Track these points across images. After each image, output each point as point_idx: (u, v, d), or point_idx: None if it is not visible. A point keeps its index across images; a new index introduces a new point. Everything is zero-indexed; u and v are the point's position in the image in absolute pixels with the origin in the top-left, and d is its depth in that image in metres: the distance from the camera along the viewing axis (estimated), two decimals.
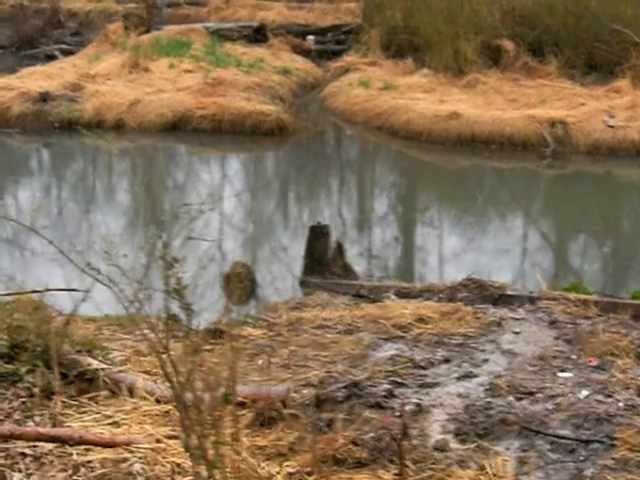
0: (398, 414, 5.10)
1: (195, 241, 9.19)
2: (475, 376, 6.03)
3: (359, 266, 9.45)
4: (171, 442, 4.62)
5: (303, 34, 22.86)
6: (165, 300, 3.74)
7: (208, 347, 5.30)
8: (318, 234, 8.63)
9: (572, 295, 7.63)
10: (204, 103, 15.70)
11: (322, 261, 8.58)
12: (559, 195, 14.07)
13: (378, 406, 5.40)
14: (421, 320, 6.95)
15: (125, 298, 3.79)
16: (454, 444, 5.04)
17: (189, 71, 18.16)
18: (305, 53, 21.79)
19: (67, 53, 21.27)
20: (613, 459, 4.78)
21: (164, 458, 4.50)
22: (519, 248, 11.36)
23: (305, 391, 5.58)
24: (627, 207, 13.90)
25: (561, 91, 17.52)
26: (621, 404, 5.45)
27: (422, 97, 16.78)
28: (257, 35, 21.88)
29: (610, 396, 5.58)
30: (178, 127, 15.51)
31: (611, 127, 15.33)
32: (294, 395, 5.44)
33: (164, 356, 3.85)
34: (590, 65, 19.46)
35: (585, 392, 5.62)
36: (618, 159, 15.05)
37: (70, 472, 4.36)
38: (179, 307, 3.80)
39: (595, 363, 6.21)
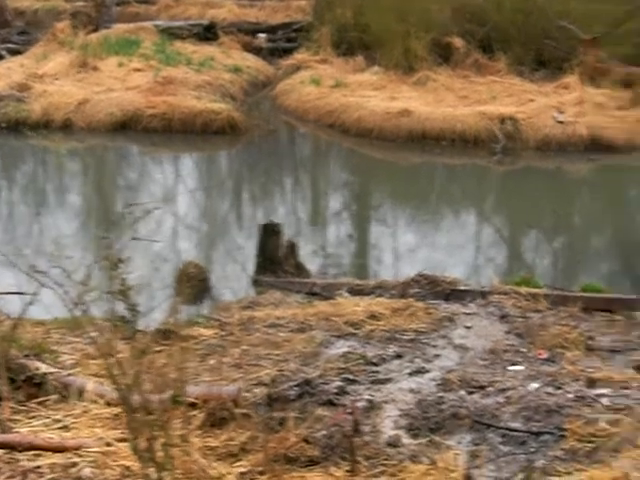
0: (350, 411, 5.09)
1: (148, 242, 9.20)
2: (427, 371, 6.06)
3: (313, 264, 9.44)
4: (121, 445, 4.59)
5: (254, 32, 22.77)
6: (111, 302, 3.71)
7: (158, 348, 5.26)
8: (270, 232, 8.61)
9: (523, 289, 7.68)
10: (154, 102, 15.59)
11: (274, 260, 8.56)
12: (510, 191, 14.16)
13: (330, 404, 5.41)
14: (373, 317, 6.96)
15: (70, 300, 3.76)
16: (406, 439, 5.05)
17: (139, 70, 17.99)
18: (256, 51, 21.69)
19: (14, 52, 20.93)
20: (563, 450, 4.83)
21: (114, 461, 4.46)
22: (472, 244, 11.42)
23: (257, 390, 5.56)
24: (577, 202, 14.04)
25: (511, 87, 17.63)
26: (570, 395, 5.50)
27: (373, 95, 16.80)
28: (207, 33, 21.74)
29: (560, 388, 5.64)
30: (128, 126, 15.37)
31: (560, 123, 15.46)
32: (246, 394, 5.42)
33: (111, 358, 3.82)
34: (539, 61, 19.60)
35: (535, 385, 5.67)
36: (567, 154, 15.18)
37: (19, 478, 4.31)
38: (125, 308, 3.77)
39: (545, 356, 6.27)
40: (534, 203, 13.19)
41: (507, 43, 19.46)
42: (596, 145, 15.42)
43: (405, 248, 10.92)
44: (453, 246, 10.95)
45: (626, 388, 5.70)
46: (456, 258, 10.42)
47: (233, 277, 9.47)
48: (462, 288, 7.78)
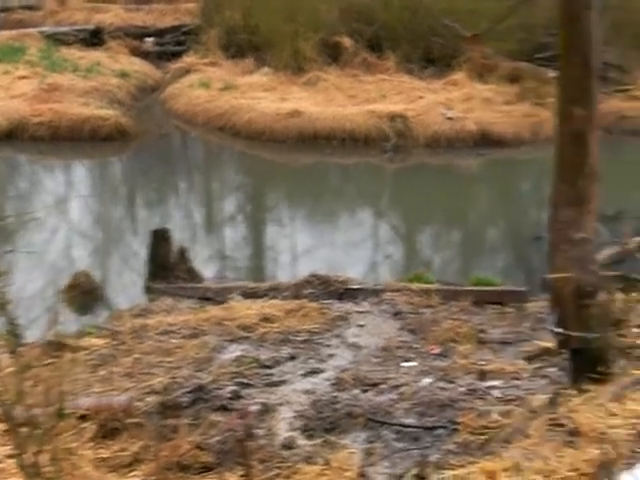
0: (241, 415, 5.07)
1: (41, 253, 9.01)
2: (321, 371, 6.07)
3: (208, 269, 9.36)
4: (10, 461, 4.46)
5: (142, 36, 22.50)
6: None
7: (47, 361, 5.14)
8: (160, 239, 8.50)
9: (415, 285, 7.75)
10: (40, 110, 15.27)
11: (166, 266, 8.45)
12: (403, 188, 14.28)
13: (224, 409, 5.38)
14: (266, 319, 6.94)
15: None
16: (301, 441, 5.04)
17: (24, 77, 17.60)
18: (144, 55, 21.44)
19: None
20: (456, 443, 4.88)
21: (4, 478, 4.35)
22: (367, 242, 11.49)
23: (149, 399, 5.48)
24: (468, 197, 14.21)
25: (400, 85, 17.80)
26: (463, 389, 5.57)
27: (263, 96, 16.77)
28: (94, 39, 21.41)
29: (452, 382, 5.71)
30: (14, 136, 15.00)
31: (449, 119, 15.67)
32: (138, 404, 5.34)
33: None
34: (427, 59, 19.82)
35: (428, 380, 5.72)
36: (457, 150, 15.39)
37: None
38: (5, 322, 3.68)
39: (437, 351, 6.33)
40: (426, 199, 13.34)
41: (395, 41, 19.63)
42: (485, 140, 15.67)
43: (301, 249, 10.92)
44: (349, 245, 10.99)
45: (517, 379, 5.81)
46: (352, 257, 10.46)
47: (126, 285, 9.33)
48: (355, 287, 7.81)
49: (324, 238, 11.41)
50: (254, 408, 5.36)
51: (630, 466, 4.22)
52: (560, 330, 4.88)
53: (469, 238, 11.91)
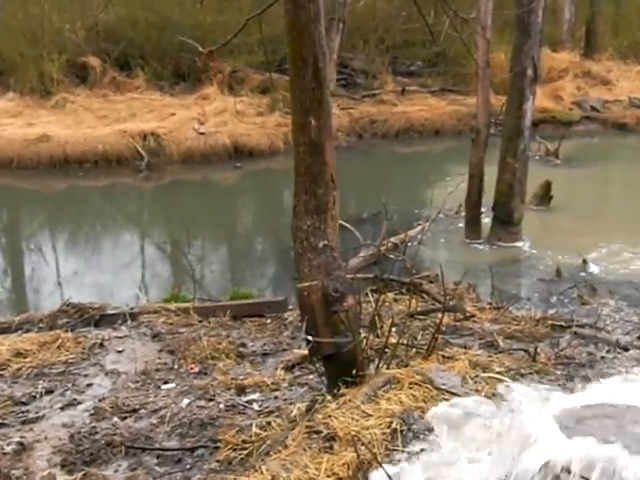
0: None
1: None
2: (79, 403, 5.87)
3: None
4: None
5: None
6: None
7: None
8: None
9: (172, 305, 7.66)
10: None
11: None
12: (161, 206, 14.21)
13: None
14: (19, 354, 6.65)
15: None
16: (61, 476, 4.87)
17: None
18: None
19: None
20: (218, 461, 4.84)
21: None
22: (129, 263, 11.33)
23: None
24: (228, 210, 14.28)
25: (151, 103, 17.71)
26: (222, 406, 5.54)
27: (9, 122, 16.27)
28: None
29: (212, 400, 5.66)
30: None
31: (202, 134, 15.69)
32: None
33: None
34: (178, 75, 19.82)
35: (187, 400, 5.66)
36: (213, 164, 15.46)
37: None
38: None
39: (197, 369, 6.28)
40: (185, 216, 13.30)
41: (144, 59, 19.52)
42: (240, 152, 15.85)
43: (64, 276, 10.65)
44: (113, 268, 10.82)
45: (276, 390, 5.83)
46: (118, 279, 10.30)
47: None
48: (111, 312, 7.62)
49: (87, 263, 11.16)
50: (9, 449, 5.12)
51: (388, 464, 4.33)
52: (310, 337, 4.93)
53: (232, 251, 11.97)
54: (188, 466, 4.90)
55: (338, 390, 5.02)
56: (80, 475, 4.87)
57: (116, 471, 4.93)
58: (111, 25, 20.61)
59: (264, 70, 19.20)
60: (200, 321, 7.36)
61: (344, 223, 10.61)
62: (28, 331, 7.43)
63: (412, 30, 22.56)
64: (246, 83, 19.70)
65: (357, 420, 4.61)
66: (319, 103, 5.08)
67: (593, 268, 11.03)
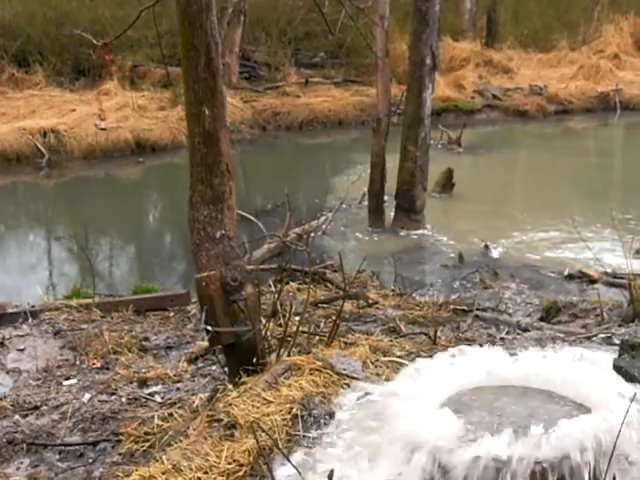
0: None
1: None
2: None
3: None
4: None
5: None
6: None
7: None
8: None
9: (74, 302, 7.58)
10: None
11: None
12: (65, 203, 14.03)
13: None
14: None
15: None
16: None
17: None
18: None
19: None
20: (120, 454, 4.83)
21: None
22: (29, 264, 11.17)
23: None
24: (132, 206, 14.18)
25: (51, 100, 17.46)
26: (124, 399, 5.53)
27: None
28: None
29: (114, 394, 5.64)
30: None
31: (103, 129, 15.53)
32: None
33: None
34: (78, 70, 19.57)
35: (88, 395, 5.63)
36: (115, 160, 15.32)
37: None
38: None
39: (99, 364, 6.24)
40: (90, 212, 13.16)
41: (42, 55, 19.21)
42: (143, 147, 15.72)
43: None
44: (19, 268, 10.66)
45: (179, 382, 5.83)
46: (25, 279, 10.16)
47: None
48: (12, 311, 7.51)
49: None
50: None
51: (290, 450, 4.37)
52: (209, 327, 4.94)
53: (137, 247, 11.89)
54: (90, 460, 4.88)
55: (239, 379, 5.04)
56: None
57: (18, 469, 4.90)
58: (7, 21, 20.23)
59: (166, 64, 19.07)
60: (103, 317, 7.32)
61: (248, 215, 10.68)
62: None
63: (314, 21, 22.61)
64: (148, 78, 19.54)
65: (258, 407, 4.64)
66: (213, 93, 5.09)
67: (495, 253, 11.22)
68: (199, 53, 5.07)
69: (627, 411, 3.56)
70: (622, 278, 8.55)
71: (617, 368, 5.00)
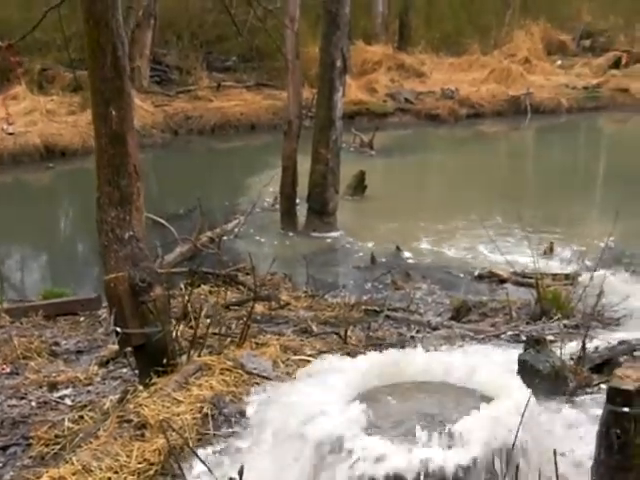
0: None
1: None
2: None
3: None
4: None
5: None
6: None
7: None
8: None
9: None
10: None
11: None
12: None
13: None
14: None
15: None
16: None
17: None
18: None
19: None
20: (30, 457, 4.79)
21: None
22: None
23: None
24: (43, 211, 13.98)
25: None
26: (34, 403, 5.49)
27: None
28: None
29: (23, 398, 5.59)
30: None
31: (11, 134, 15.31)
32: None
33: None
34: None
35: None
36: (24, 165, 15.11)
37: None
38: None
39: (8, 370, 6.17)
40: None
41: None
42: (52, 152, 15.52)
43: None
44: None
45: (90, 384, 5.80)
46: None
47: None
48: None
49: None
50: None
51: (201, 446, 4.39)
52: (118, 329, 4.93)
53: (48, 252, 11.77)
54: (0, 464, 4.82)
55: (150, 380, 5.05)
56: None
57: None
58: None
59: (75, 68, 18.84)
60: (12, 322, 7.23)
61: (159, 219, 10.62)
62: None
63: (225, 24, 22.56)
64: (57, 81, 19.30)
65: (168, 407, 4.66)
66: (119, 93, 5.08)
67: (407, 254, 11.35)
68: (105, 52, 5.04)
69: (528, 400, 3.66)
70: (530, 277, 8.72)
71: (522, 362, 5.14)
